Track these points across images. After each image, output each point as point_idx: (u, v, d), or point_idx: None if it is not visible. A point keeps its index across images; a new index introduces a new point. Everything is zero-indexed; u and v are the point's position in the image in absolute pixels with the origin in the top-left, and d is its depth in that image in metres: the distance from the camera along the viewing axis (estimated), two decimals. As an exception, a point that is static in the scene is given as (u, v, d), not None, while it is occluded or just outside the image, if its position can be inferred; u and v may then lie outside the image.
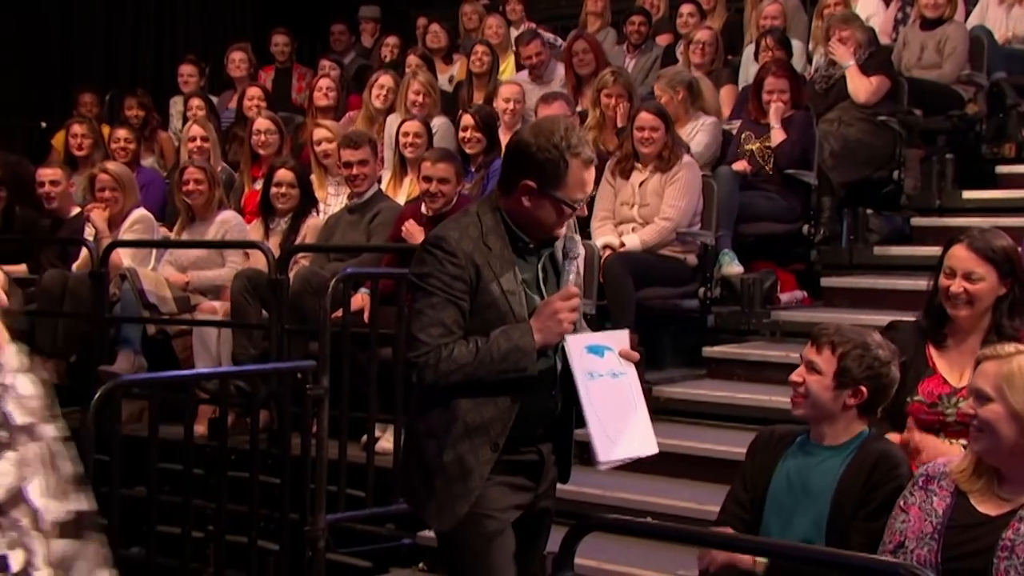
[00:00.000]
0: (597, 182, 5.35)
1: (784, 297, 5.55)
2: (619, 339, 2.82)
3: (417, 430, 2.80)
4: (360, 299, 4.77)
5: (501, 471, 2.74)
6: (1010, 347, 2.56)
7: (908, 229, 5.87)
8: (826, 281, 5.59)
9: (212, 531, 3.87)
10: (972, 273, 2.99)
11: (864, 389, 2.79)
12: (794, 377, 2.85)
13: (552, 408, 2.81)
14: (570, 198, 2.73)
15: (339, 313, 4.32)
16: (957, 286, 3.00)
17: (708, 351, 5.15)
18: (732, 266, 5.39)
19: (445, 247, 2.71)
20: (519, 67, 7.46)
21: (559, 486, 2.92)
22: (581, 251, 2.83)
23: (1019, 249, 3.16)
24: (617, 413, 2.76)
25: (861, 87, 5.83)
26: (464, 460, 2.70)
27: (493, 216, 2.77)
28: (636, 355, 2.82)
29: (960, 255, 3.01)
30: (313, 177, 5.99)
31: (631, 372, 2.80)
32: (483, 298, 2.71)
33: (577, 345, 2.73)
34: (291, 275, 4.88)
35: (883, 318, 4.60)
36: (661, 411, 4.88)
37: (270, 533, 3.84)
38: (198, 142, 6.34)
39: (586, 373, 2.71)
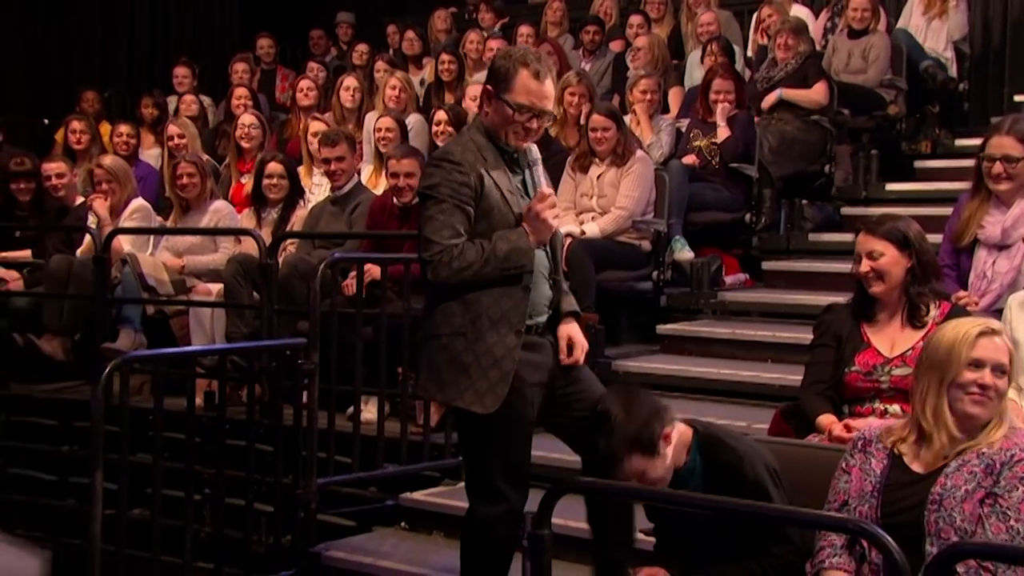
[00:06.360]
0: (560, 177, 5.36)
1: (728, 279, 5.57)
2: None
3: (440, 333, 2.86)
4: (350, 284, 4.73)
5: (524, 350, 2.86)
6: None
7: (838, 217, 5.92)
8: (766, 265, 5.62)
9: (210, 494, 3.82)
10: (872, 251, 3.11)
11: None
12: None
13: (554, 294, 2.96)
14: (514, 101, 2.82)
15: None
16: (865, 266, 3.12)
17: (661, 328, 5.15)
18: (683, 252, 5.40)
19: (451, 159, 2.83)
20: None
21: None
22: (537, 156, 2.98)
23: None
24: None
25: (814, 95, 5.87)
26: (493, 350, 2.82)
27: (481, 135, 2.91)
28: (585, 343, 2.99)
29: (861, 240, 3.16)
30: (302, 168, 5.92)
31: None
32: (486, 203, 2.83)
33: None
34: (280, 260, 4.82)
35: (817, 297, 4.67)
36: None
37: (264, 496, 3.79)
38: (175, 140, 6.23)
39: None
